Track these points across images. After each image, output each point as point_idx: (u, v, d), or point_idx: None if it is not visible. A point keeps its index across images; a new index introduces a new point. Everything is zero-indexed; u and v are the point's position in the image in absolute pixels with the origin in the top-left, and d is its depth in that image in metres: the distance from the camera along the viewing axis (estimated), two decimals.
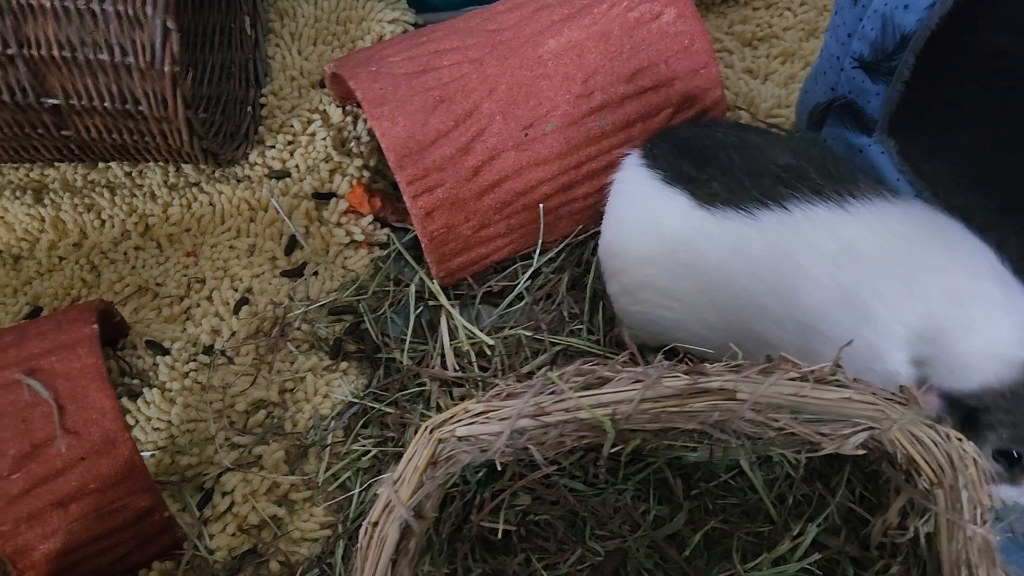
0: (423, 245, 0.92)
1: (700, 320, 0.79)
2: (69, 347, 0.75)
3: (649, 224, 0.81)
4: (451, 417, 0.63)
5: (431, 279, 0.96)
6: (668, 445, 0.68)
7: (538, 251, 0.96)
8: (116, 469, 0.74)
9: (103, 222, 1.02)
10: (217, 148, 0.93)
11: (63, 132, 0.87)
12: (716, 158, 0.78)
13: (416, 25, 1.16)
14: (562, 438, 0.62)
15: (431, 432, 0.62)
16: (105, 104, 0.83)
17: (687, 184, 0.79)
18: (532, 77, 0.92)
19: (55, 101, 0.83)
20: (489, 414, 0.62)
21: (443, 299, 0.95)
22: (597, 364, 0.64)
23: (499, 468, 0.67)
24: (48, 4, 0.76)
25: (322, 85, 1.10)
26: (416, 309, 0.96)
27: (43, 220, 1.01)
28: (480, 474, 0.71)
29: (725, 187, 0.76)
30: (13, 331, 0.79)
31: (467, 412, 0.63)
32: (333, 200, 1.02)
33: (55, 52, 0.78)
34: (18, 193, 1.02)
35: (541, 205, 0.93)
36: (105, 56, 0.79)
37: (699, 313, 0.79)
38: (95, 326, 0.77)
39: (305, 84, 1.10)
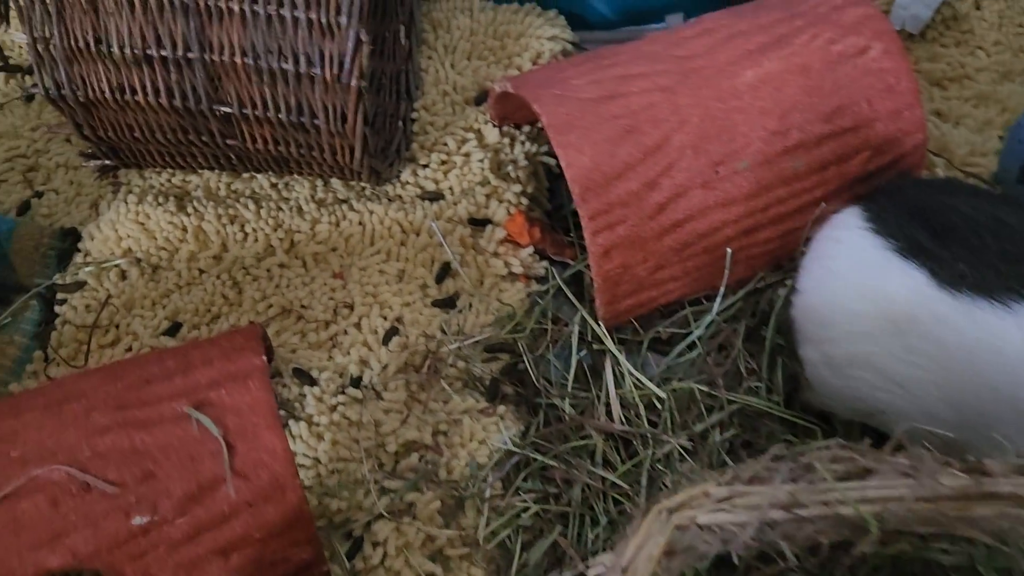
0: (596, 285, 0.85)
1: (926, 412, 0.70)
2: (238, 379, 0.70)
3: (873, 297, 0.72)
4: (689, 500, 0.55)
5: (595, 320, 0.89)
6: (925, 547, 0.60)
7: (720, 297, 0.88)
8: (283, 517, 0.68)
9: (246, 235, 0.97)
10: (380, 166, 0.87)
11: (228, 141, 0.82)
12: (963, 235, 0.70)
13: (575, 44, 1.10)
14: (817, 534, 0.55)
15: (668, 516, 0.55)
16: (280, 115, 0.77)
17: (926, 260, 0.70)
18: (726, 110, 0.85)
19: (228, 109, 0.78)
20: (734, 500, 0.55)
21: (609, 343, 0.88)
22: (847, 449, 0.57)
23: (734, 561, 0.60)
24: (236, 7, 0.71)
25: (477, 102, 1.04)
26: (578, 352, 0.89)
27: (185, 229, 0.96)
28: (704, 563, 0.64)
29: (974, 271, 0.67)
30: (176, 356, 0.73)
31: (708, 496, 0.55)
32: (489, 227, 0.96)
33: (237, 58, 0.73)
34: (160, 199, 0.97)
35: (729, 250, 0.86)
36: (289, 65, 0.74)
37: (926, 405, 0.70)
38: (264, 357, 0.71)
39: (459, 100, 1.04)
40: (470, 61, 1.07)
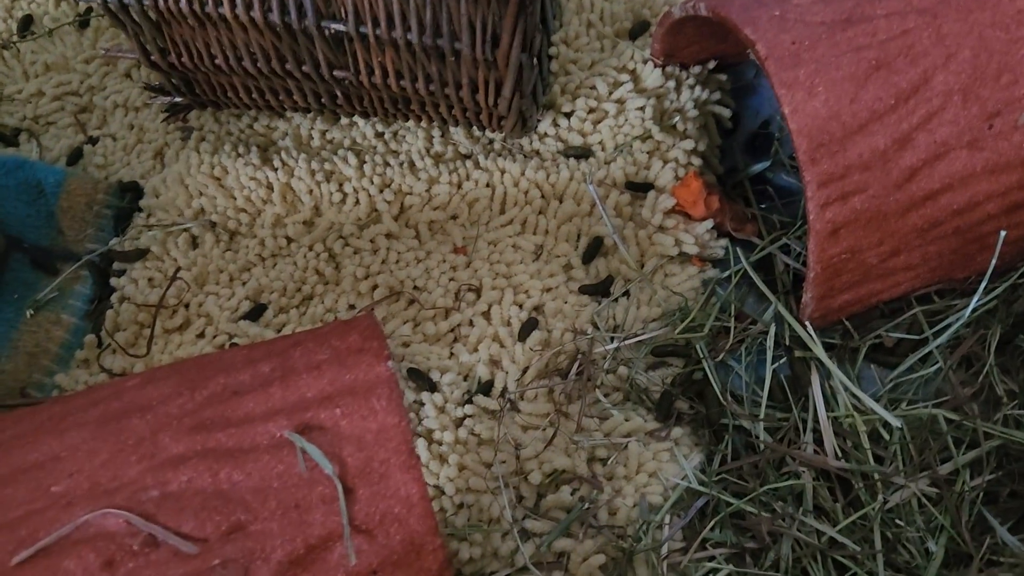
0: (812, 274, 0.64)
1: None
2: (359, 395, 0.51)
3: None
4: None
5: (796, 319, 0.69)
6: None
7: (978, 295, 0.66)
8: None
9: (345, 196, 0.77)
10: (530, 110, 0.66)
11: (336, 72, 0.62)
12: None
13: None
14: None
15: None
16: (410, 36, 0.58)
17: None
18: (1007, 41, 0.62)
19: (340, 27, 0.58)
20: None
21: (819, 351, 0.67)
22: None
23: None
24: None
25: (632, 36, 0.82)
26: (772, 360, 0.69)
27: (270, 187, 0.77)
28: None
29: None
30: (271, 356, 0.54)
31: None
32: (652, 194, 0.75)
33: None
34: (240, 149, 0.78)
35: (1003, 232, 0.64)
36: None
37: None
38: (391, 364, 0.52)
39: (608, 33, 0.83)
40: None
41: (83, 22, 0.89)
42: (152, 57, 0.63)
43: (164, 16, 0.59)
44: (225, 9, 0.58)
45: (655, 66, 0.79)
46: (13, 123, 0.85)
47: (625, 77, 0.80)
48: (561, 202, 0.75)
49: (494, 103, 0.63)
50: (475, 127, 0.72)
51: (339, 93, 0.65)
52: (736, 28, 0.62)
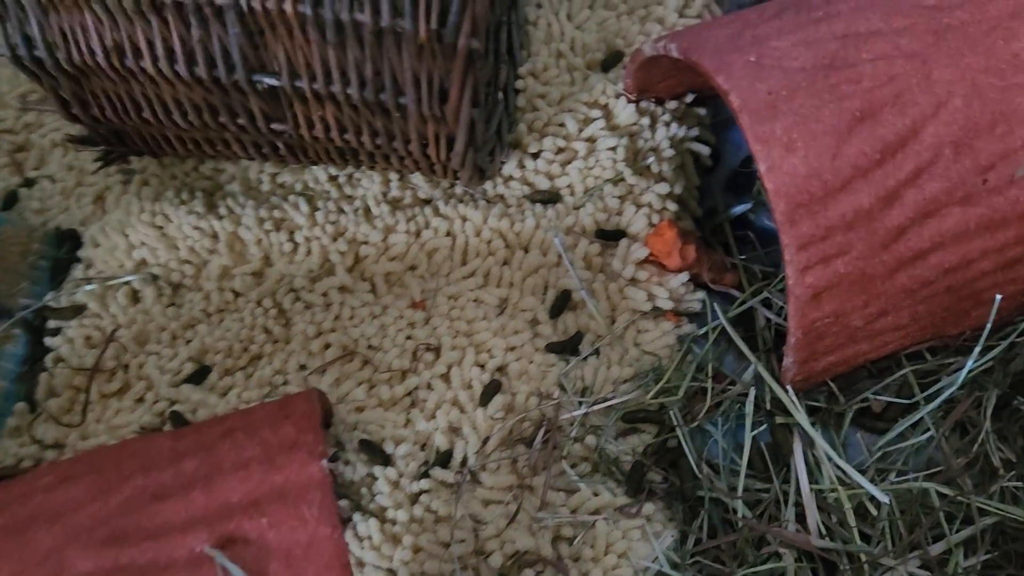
0: (791, 340, 0.60)
1: None
2: (288, 500, 0.46)
3: None
4: None
5: (777, 381, 0.64)
6: None
7: (972, 358, 0.62)
8: None
9: (296, 246, 0.72)
10: (484, 161, 0.61)
11: (273, 126, 0.57)
12: None
13: None
14: None
15: None
16: (349, 91, 0.52)
17: None
18: (1002, 89, 0.57)
19: (273, 82, 0.53)
20: None
21: (802, 418, 0.62)
22: None
23: None
24: None
25: (604, 68, 0.77)
26: (753, 426, 0.64)
27: (215, 236, 0.72)
28: None
29: None
30: (197, 446, 0.49)
31: None
32: (624, 243, 0.70)
33: (288, 5, 0.48)
34: (184, 196, 0.73)
35: (998, 296, 0.60)
36: (366, 17, 0.48)
37: None
38: (325, 465, 0.47)
39: (579, 65, 0.77)
40: (593, 11, 0.80)
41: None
42: (73, 111, 0.58)
43: (80, 69, 0.54)
44: (147, 63, 0.52)
45: (628, 101, 0.74)
46: None
47: (597, 113, 0.74)
48: (527, 252, 0.70)
49: (446, 157, 0.58)
50: (426, 176, 0.67)
51: (281, 145, 0.60)
52: (708, 75, 0.57)
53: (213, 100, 0.55)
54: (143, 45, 0.52)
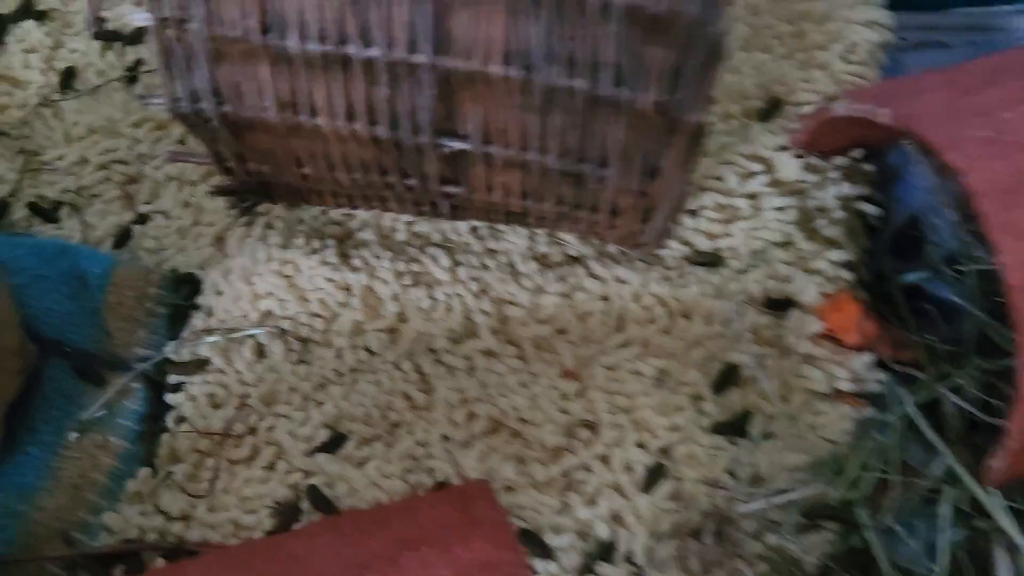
0: (1008, 442, 0.54)
1: None
2: None
3: None
4: None
5: (976, 479, 0.58)
6: None
7: None
8: None
9: (435, 303, 0.67)
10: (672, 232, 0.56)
11: (446, 188, 0.52)
12: None
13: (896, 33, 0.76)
14: None
15: None
16: (546, 159, 0.47)
17: None
18: None
19: (463, 146, 0.48)
20: None
21: (1008, 524, 0.57)
22: None
23: None
24: None
25: (763, 117, 0.71)
26: (950, 525, 0.59)
27: (348, 289, 0.67)
28: None
29: None
30: (371, 555, 0.44)
31: None
32: (795, 314, 0.65)
33: (495, 67, 0.42)
34: (315, 244, 0.68)
35: None
36: (582, 83, 0.42)
37: None
38: None
39: (735, 112, 0.72)
40: (748, 53, 0.74)
41: (131, 78, 0.78)
42: (227, 163, 0.53)
43: (248, 123, 0.48)
44: (323, 120, 0.47)
45: (794, 156, 0.68)
46: (53, 195, 0.74)
47: (758, 167, 0.69)
48: (689, 320, 0.65)
49: (639, 230, 0.53)
50: (593, 239, 0.62)
51: (445, 204, 0.55)
52: (938, 153, 0.51)
53: (385, 160, 0.50)
54: (321, 101, 0.46)
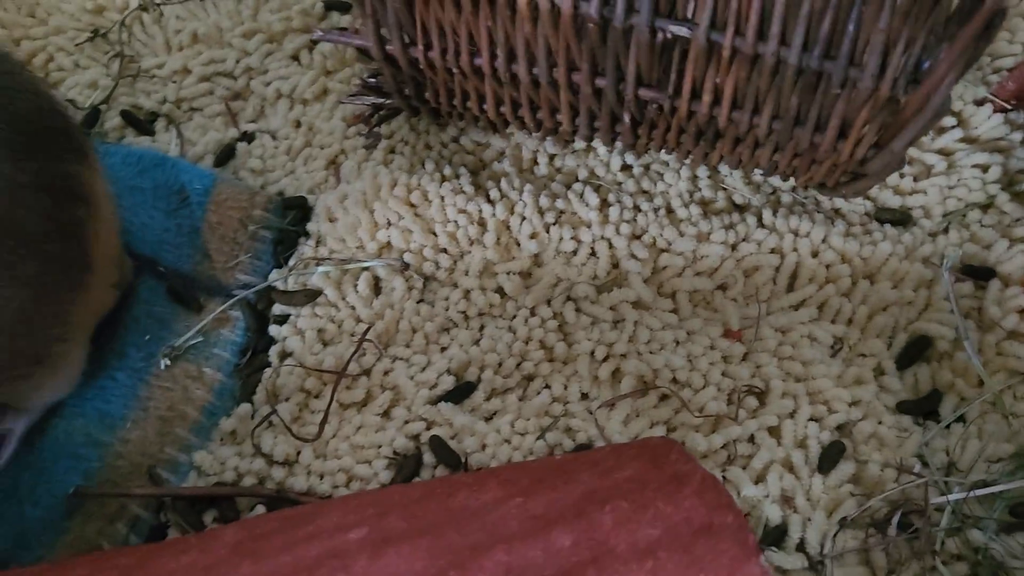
0: None
1: None
2: None
3: None
4: None
5: None
6: None
7: None
8: None
9: (579, 245, 0.59)
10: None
11: (642, 92, 0.44)
12: None
13: None
14: None
15: None
16: (784, 53, 0.39)
17: None
18: None
19: (683, 31, 0.39)
20: None
21: None
22: None
23: None
24: None
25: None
26: None
27: (482, 224, 0.59)
28: None
29: None
30: (555, 507, 0.36)
31: None
32: (995, 284, 0.56)
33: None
34: (446, 171, 0.60)
35: None
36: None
37: None
38: (764, 559, 0.34)
39: None
40: None
41: None
42: (388, 47, 0.45)
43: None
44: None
45: (996, 110, 0.60)
46: (150, 105, 0.67)
47: (951, 121, 0.61)
48: (873, 283, 0.57)
49: (864, 156, 0.44)
50: (778, 176, 0.53)
51: (626, 118, 0.47)
52: None
53: (578, 49, 0.42)
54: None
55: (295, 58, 0.68)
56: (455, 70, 0.46)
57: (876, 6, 0.37)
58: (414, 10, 0.43)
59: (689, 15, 0.40)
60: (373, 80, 0.49)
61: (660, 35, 0.40)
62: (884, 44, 0.38)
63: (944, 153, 0.60)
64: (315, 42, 0.50)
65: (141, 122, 0.67)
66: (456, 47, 0.44)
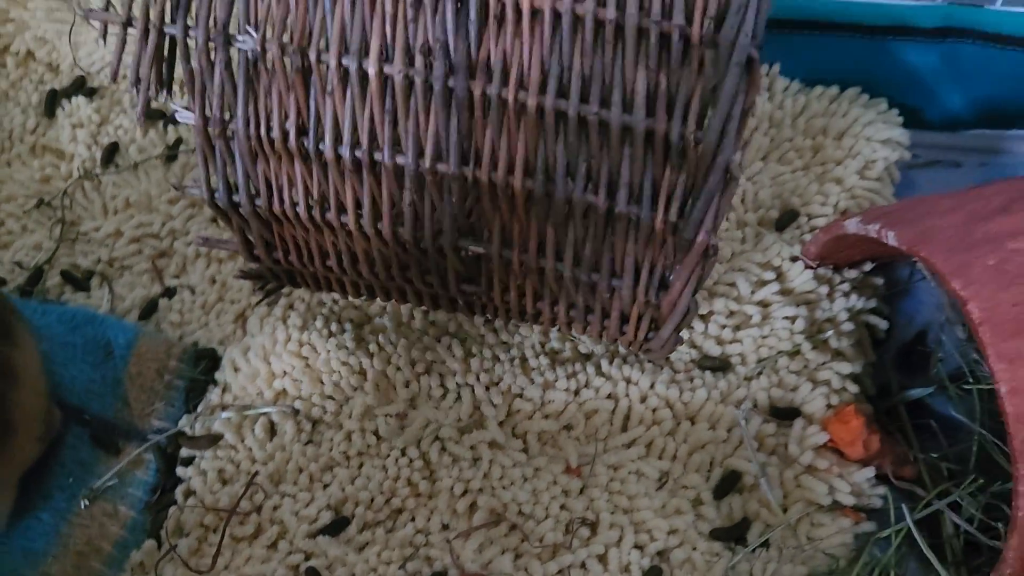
0: (1004, 570, 0.54)
1: None
2: None
3: None
4: None
5: None
6: None
7: None
8: None
9: (446, 392, 0.69)
10: (677, 338, 0.57)
11: (464, 287, 0.54)
12: None
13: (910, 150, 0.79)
14: None
15: None
16: (560, 267, 0.49)
17: None
18: None
19: (480, 250, 0.50)
20: None
21: None
22: None
23: None
24: (532, 104, 0.43)
25: (779, 227, 0.74)
26: None
27: (363, 374, 0.69)
28: None
29: None
30: None
31: None
32: (799, 424, 0.66)
33: (516, 180, 0.45)
34: (333, 327, 0.70)
35: None
36: (599, 200, 0.45)
37: None
38: None
39: (751, 221, 0.74)
40: (767, 164, 0.77)
41: (170, 156, 0.82)
42: (255, 252, 0.55)
43: (277, 217, 0.51)
44: (349, 219, 0.50)
45: (806, 267, 0.70)
46: (87, 265, 0.77)
47: (770, 275, 0.70)
48: (693, 423, 0.66)
49: (645, 337, 0.54)
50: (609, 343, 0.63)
51: (462, 301, 0.57)
52: (943, 278, 0.53)
53: (407, 258, 0.52)
54: (349, 202, 0.49)
55: (214, 220, 0.79)
56: (311, 269, 0.56)
57: (623, 238, 0.47)
58: (272, 228, 0.53)
59: (485, 237, 0.50)
60: (253, 271, 0.59)
61: (465, 252, 0.51)
62: (635, 265, 0.48)
63: (763, 304, 0.70)
64: (201, 243, 0.60)
65: (78, 280, 0.77)
66: (310, 255, 0.54)
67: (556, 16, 0.44)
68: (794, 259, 0.71)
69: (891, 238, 0.57)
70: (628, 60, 0.43)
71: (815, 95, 0.79)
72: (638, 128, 0.43)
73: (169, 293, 0.76)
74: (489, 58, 0.45)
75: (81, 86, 0.86)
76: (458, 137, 0.45)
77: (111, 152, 0.82)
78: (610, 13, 0.43)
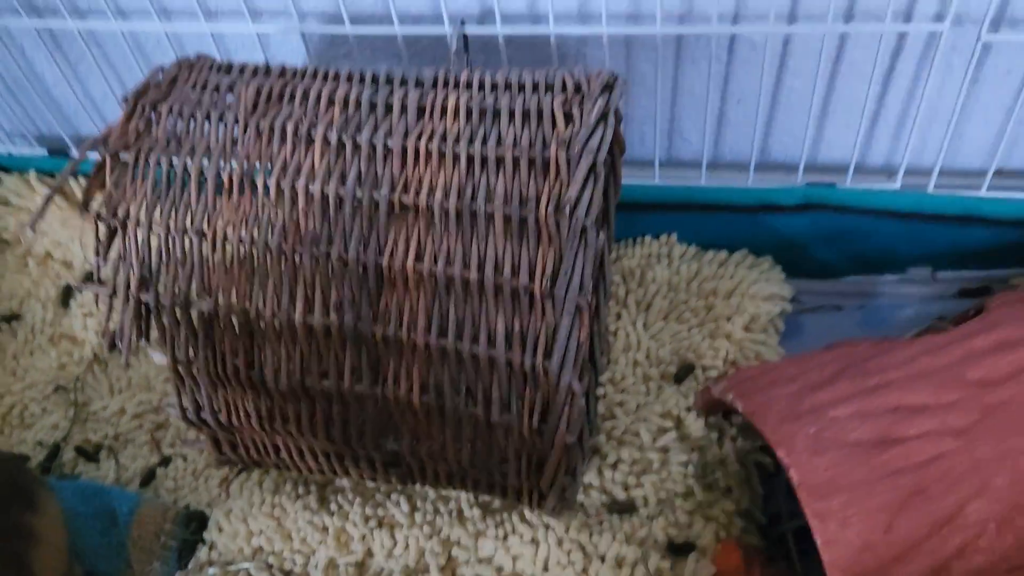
0: None
1: None
2: None
3: None
4: None
5: None
6: None
7: None
8: None
9: (395, 543, 0.81)
10: (572, 488, 0.69)
11: (391, 470, 0.67)
12: None
13: (792, 302, 0.91)
14: None
15: None
16: (461, 459, 0.62)
17: None
18: None
19: (395, 447, 0.63)
20: None
21: None
22: None
23: None
24: (421, 342, 0.56)
25: (677, 380, 0.86)
26: None
27: (326, 530, 0.81)
28: None
29: None
30: None
31: None
32: (692, 557, 0.77)
33: (414, 397, 0.58)
34: (300, 491, 0.83)
35: None
36: (479, 411, 0.58)
37: None
38: None
39: (653, 375, 0.86)
40: (667, 323, 0.90)
41: None
42: (223, 450, 0.69)
43: (236, 428, 0.65)
44: (292, 427, 0.63)
45: (699, 416, 0.82)
46: (96, 439, 0.91)
47: (669, 424, 0.82)
48: (603, 562, 0.77)
49: (539, 504, 0.66)
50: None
51: (395, 477, 0.70)
52: (772, 446, 0.65)
53: (343, 451, 0.65)
54: (291, 417, 0.62)
55: None
56: (276, 461, 0.69)
57: (501, 437, 0.60)
58: (234, 433, 0.66)
59: (399, 437, 0.63)
60: (224, 459, 0.72)
61: (386, 446, 0.64)
62: (516, 454, 0.61)
63: (663, 450, 0.81)
64: (184, 444, 0.73)
65: (89, 453, 0.91)
66: (267, 451, 0.68)
67: (433, 277, 0.58)
68: (689, 409, 0.83)
69: (740, 406, 0.69)
70: (489, 308, 0.57)
71: (707, 259, 0.92)
72: (500, 359, 0.56)
73: (165, 462, 0.89)
74: (388, 307, 0.58)
75: (90, 280, 1.01)
76: (369, 366, 0.58)
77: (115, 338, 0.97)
78: (473, 274, 0.57)
